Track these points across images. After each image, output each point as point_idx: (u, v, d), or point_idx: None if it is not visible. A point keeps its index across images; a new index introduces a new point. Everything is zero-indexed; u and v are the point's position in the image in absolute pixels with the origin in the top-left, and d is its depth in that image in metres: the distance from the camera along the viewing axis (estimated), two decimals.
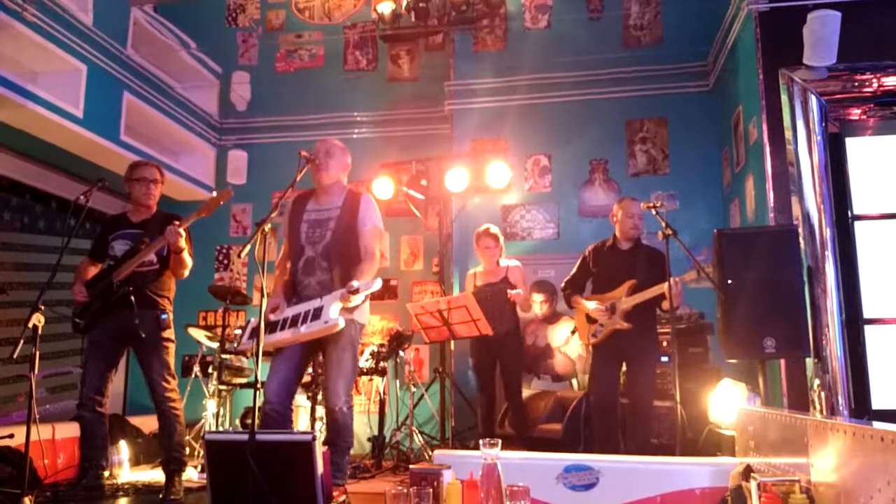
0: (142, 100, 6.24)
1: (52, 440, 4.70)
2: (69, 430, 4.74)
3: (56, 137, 5.49)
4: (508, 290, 4.95)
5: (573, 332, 5.03)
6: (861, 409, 4.63)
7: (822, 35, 4.51)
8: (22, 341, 3.20)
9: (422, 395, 5.98)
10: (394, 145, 7.18)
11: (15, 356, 3.19)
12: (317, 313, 3.26)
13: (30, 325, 3.21)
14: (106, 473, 4.06)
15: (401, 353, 5.84)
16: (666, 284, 4.10)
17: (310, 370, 5.20)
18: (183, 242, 3.81)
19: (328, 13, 7.79)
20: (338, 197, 3.64)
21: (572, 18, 6.81)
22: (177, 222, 3.78)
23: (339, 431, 3.43)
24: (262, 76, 7.70)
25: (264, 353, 2.97)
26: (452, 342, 5.37)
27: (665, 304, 4.15)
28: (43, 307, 3.26)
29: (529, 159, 6.70)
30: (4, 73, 4.76)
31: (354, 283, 3.22)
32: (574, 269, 4.74)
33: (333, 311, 3.22)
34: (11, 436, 3.70)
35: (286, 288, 3.59)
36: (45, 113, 5.07)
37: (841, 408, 4.40)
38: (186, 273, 4.01)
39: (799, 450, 2.36)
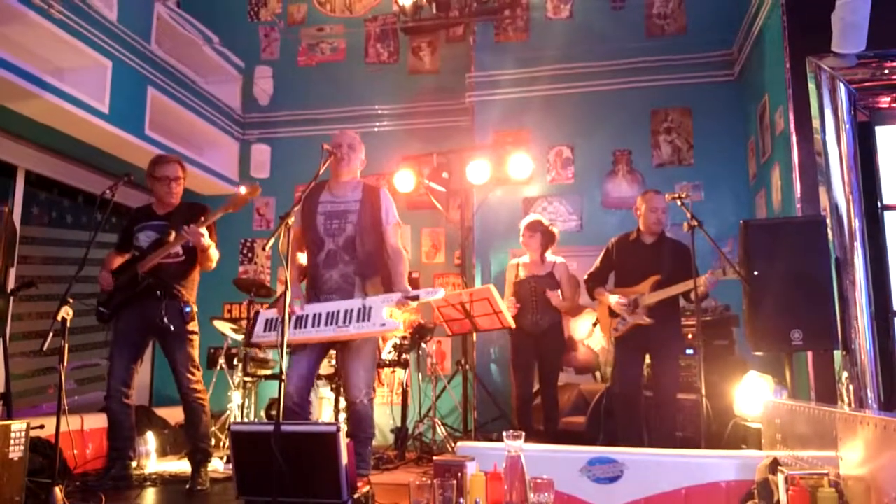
0: (166, 95, 6.29)
1: (81, 431, 4.77)
2: (97, 421, 4.81)
3: (82, 133, 5.56)
4: (548, 290, 4.94)
5: (595, 325, 5.00)
6: (890, 402, 4.55)
7: (851, 21, 4.42)
8: (51, 334, 3.25)
9: (444, 388, 6.00)
10: (415, 138, 7.18)
11: (45, 348, 3.24)
12: (364, 314, 3.25)
13: (58, 317, 3.26)
14: (133, 464, 4.12)
15: (423, 345, 5.86)
16: (690, 282, 4.07)
17: (334, 362, 5.24)
18: (207, 240, 3.84)
19: (349, 6, 7.80)
20: (353, 190, 3.63)
21: (594, 8, 6.75)
22: (202, 218, 3.80)
23: (360, 423, 3.45)
24: (284, 70, 7.73)
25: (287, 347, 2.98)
26: (475, 335, 5.37)
27: (694, 294, 4.12)
28: (71, 300, 3.31)
29: (552, 150, 6.66)
30: (31, 70, 4.82)
31: (416, 292, 3.25)
32: (597, 262, 4.71)
33: (386, 313, 3.22)
34: (42, 427, 3.76)
35: (301, 278, 3.61)
36: (71, 108, 5.13)
37: (870, 401, 4.33)
38: (213, 265, 4.05)
39: (827, 443, 2.33)
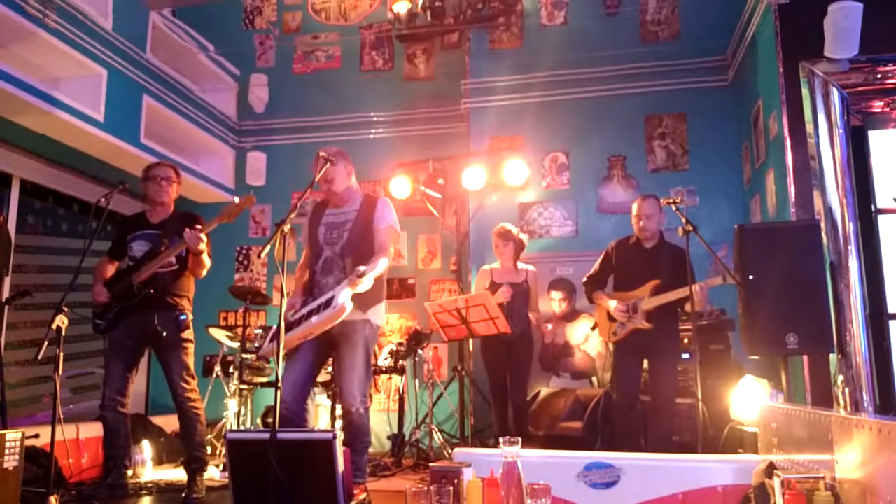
0: (161, 103, 6.29)
1: (77, 440, 4.76)
2: (93, 430, 4.80)
3: (78, 141, 5.56)
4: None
5: (593, 328, 5.01)
6: (886, 404, 4.56)
7: (843, 27, 4.44)
8: (46, 343, 3.24)
9: (441, 394, 5.99)
10: (411, 145, 7.19)
11: (39, 357, 3.23)
12: (328, 303, 3.27)
13: (53, 326, 3.25)
14: (129, 472, 4.11)
15: (419, 351, 5.85)
16: (688, 288, 4.08)
17: (329, 369, 5.23)
18: (203, 245, 3.84)
19: (344, 14, 7.82)
20: (353, 201, 3.69)
21: (589, 14, 6.77)
22: (198, 226, 3.81)
23: (356, 432, 3.45)
24: (280, 78, 7.74)
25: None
26: (471, 341, 5.37)
27: (689, 307, 4.13)
28: (66, 309, 3.30)
29: (547, 156, 6.67)
30: (27, 79, 4.82)
31: (361, 268, 3.25)
32: (596, 265, 4.71)
33: (343, 296, 3.23)
34: (37, 436, 3.76)
35: (304, 289, 3.63)
36: (66, 117, 5.13)
37: (865, 404, 4.34)
38: (205, 273, 4.05)
39: (823, 446, 2.33)
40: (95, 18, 5.42)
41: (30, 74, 4.91)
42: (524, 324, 5.05)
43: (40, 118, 5.06)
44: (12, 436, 3.32)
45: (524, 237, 5.25)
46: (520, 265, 5.15)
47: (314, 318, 3.28)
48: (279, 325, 2.94)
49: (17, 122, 5.10)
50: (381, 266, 3.42)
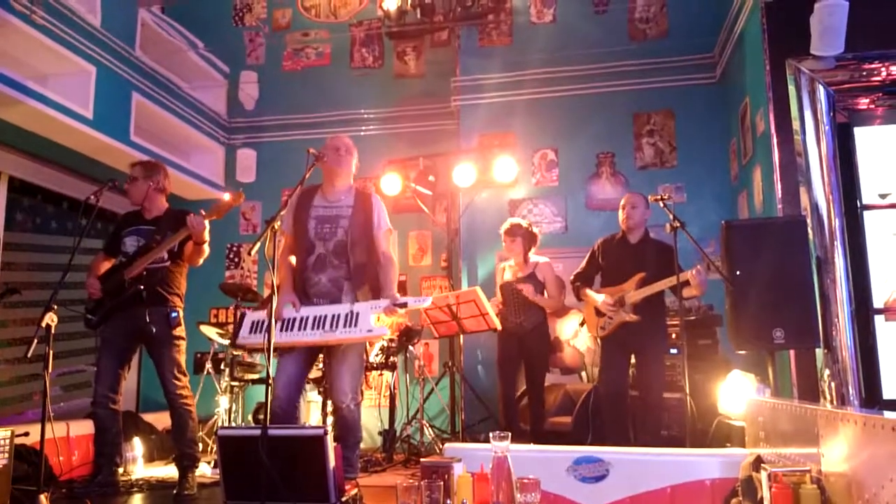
0: (151, 100, 6.27)
1: (67, 438, 4.75)
2: (83, 428, 4.79)
3: (67, 139, 5.53)
4: (519, 285, 4.92)
5: (581, 325, 5.03)
6: (872, 398, 4.61)
7: (829, 24, 4.48)
8: (36, 340, 3.24)
9: (431, 389, 6.01)
10: (401, 142, 7.20)
11: (29, 355, 3.23)
12: (352, 319, 3.26)
13: (43, 324, 3.25)
14: (120, 470, 4.11)
15: (410, 347, 5.87)
16: (674, 277, 4.11)
17: (321, 366, 5.24)
18: (206, 234, 3.85)
19: (334, 11, 7.81)
20: (346, 194, 3.64)
21: (577, 12, 6.80)
22: (203, 210, 3.82)
23: (347, 428, 3.45)
24: (270, 75, 7.72)
25: (273, 350, 2.99)
26: (462, 336, 5.39)
27: (686, 292, 4.16)
28: (56, 306, 3.30)
29: (536, 153, 6.70)
30: (15, 76, 4.79)
31: (402, 299, 3.27)
32: (583, 263, 4.75)
33: (373, 319, 3.24)
34: (27, 434, 3.75)
35: (293, 284, 3.60)
36: (55, 115, 5.11)
37: (851, 398, 4.39)
38: (202, 261, 4.05)
39: (809, 440, 2.36)
40: (84, 15, 5.39)
41: (18, 71, 4.88)
42: (536, 319, 4.96)
43: (29, 115, 5.03)
44: (1, 434, 3.32)
45: (535, 230, 5.14)
46: (531, 257, 5.08)
47: (338, 333, 3.26)
48: (269, 322, 2.94)
49: (6, 118, 5.07)
50: (426, 301, 3.56)
